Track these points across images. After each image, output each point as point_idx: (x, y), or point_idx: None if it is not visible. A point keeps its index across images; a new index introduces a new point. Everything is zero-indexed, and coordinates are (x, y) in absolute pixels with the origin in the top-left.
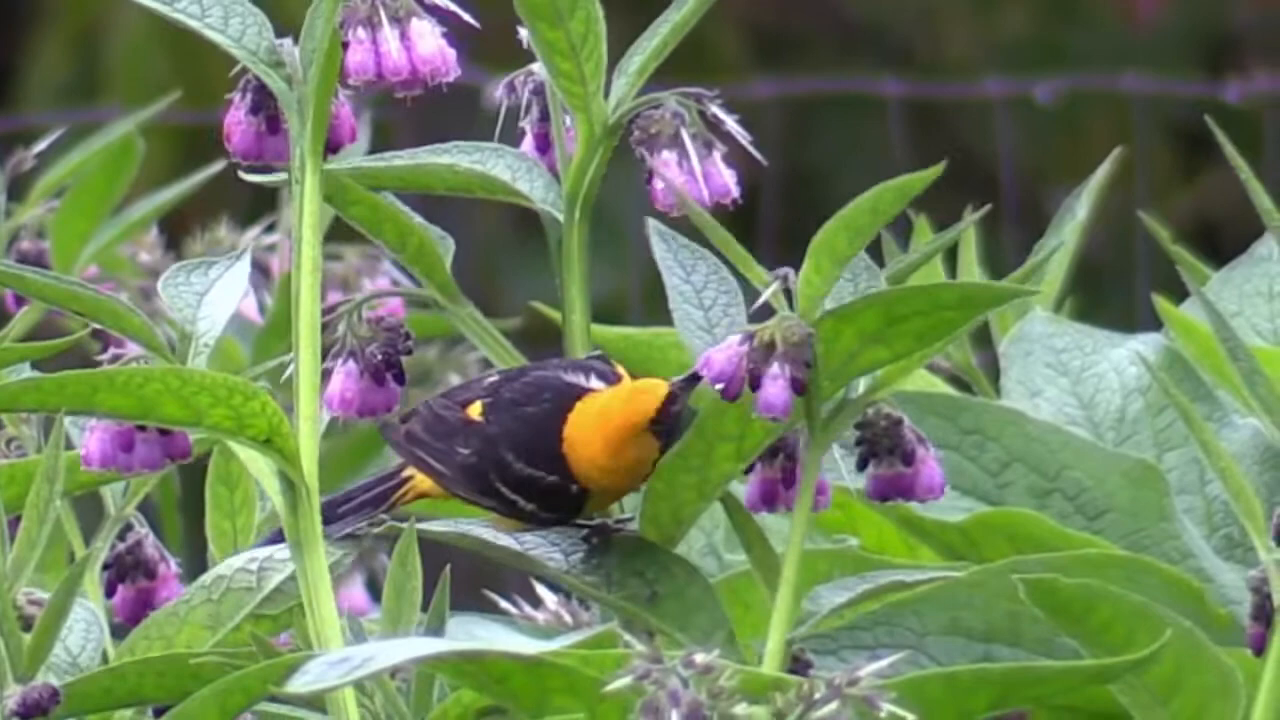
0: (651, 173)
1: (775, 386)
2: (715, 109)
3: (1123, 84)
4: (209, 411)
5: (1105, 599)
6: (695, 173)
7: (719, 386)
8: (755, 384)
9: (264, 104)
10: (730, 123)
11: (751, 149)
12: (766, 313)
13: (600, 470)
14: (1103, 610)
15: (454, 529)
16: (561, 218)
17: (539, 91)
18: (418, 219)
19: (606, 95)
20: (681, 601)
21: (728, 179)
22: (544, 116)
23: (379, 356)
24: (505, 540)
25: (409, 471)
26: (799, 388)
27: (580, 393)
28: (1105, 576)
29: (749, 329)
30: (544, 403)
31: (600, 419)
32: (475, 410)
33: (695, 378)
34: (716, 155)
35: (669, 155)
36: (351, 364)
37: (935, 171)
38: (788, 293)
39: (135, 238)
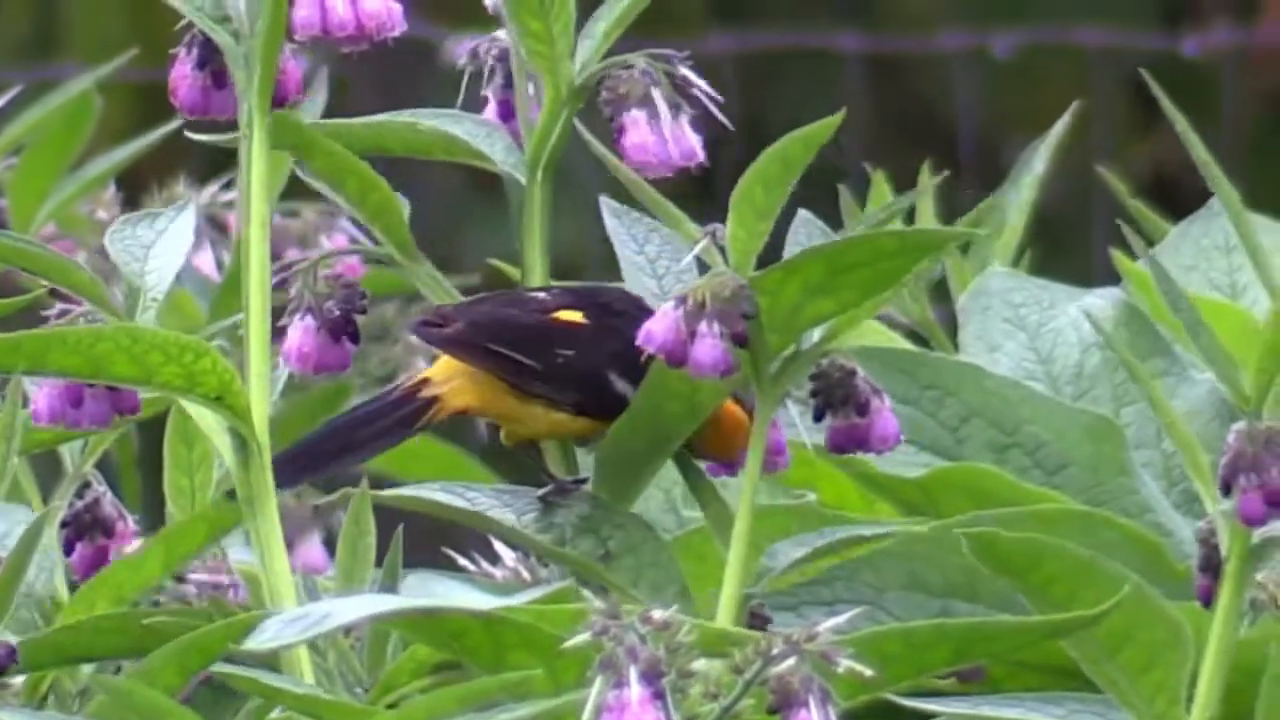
0: (620, 132)
1: (705, 345)
2: (684, 70)
3: (1080, 37)
4: (160, 369)
5: (1050, 553)
6: (664, 134)
7: (663, 356)
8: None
9: (210, 58)
10: (700, 84)
11: (717, 113)
12: None
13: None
14: (1048, 564)
15: (407, 494)
16: (524, 180)
17: (503, 58)
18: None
19: (572, 58)
20: (636, 558)
21: (694, 142)
22: (508, 83)
23: (336, 312)
24: (458, 501)
25: (433, 390)
26: (741, 341)
27: None
28: (1063, 531)
29: (681, 293)
30: (644, 313)
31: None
32: (573, 315)
33: None
34: (684, 118)
35: (638, 114)
36: (309, 319)
37: (836, 120)
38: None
39: (93, 195)
